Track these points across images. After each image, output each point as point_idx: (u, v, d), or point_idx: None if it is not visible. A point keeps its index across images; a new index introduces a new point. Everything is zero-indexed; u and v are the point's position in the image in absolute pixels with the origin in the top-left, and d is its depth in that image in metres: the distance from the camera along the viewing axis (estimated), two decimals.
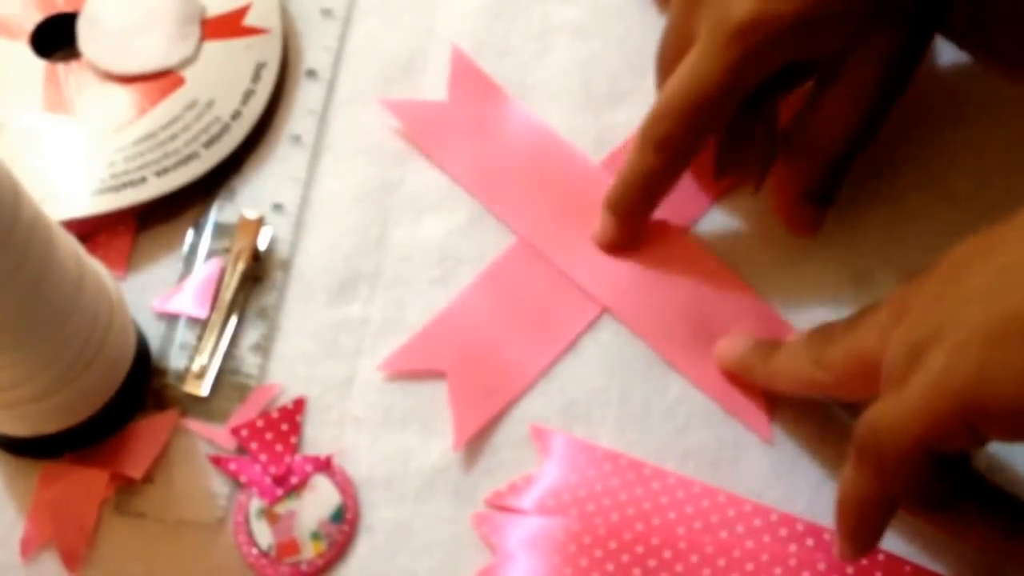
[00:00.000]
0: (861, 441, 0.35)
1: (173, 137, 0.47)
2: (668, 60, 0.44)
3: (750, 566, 0.40)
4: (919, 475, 0.34)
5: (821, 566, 0.40)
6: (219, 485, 0.42)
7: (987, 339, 0.31)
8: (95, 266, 0.40)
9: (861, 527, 0.36)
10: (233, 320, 0.45)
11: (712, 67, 0.41)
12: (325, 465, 0.42)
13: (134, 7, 0.49)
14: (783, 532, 0.41)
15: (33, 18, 0.50)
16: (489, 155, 0.48)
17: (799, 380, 0.40)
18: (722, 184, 0.47)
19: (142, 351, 0.43)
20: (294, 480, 0.42)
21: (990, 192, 0.47)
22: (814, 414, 0.43)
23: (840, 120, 0.43)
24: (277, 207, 0.47)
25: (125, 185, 0.46)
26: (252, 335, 0.45)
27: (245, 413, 0.43)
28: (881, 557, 0.40)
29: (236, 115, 0.48)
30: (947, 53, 0.50)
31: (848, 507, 0.37)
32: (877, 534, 0.37)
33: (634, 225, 0.46)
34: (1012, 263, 0.32)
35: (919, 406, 0.33)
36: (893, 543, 0.41)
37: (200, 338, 0.45)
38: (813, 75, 0.44)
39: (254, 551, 0.41)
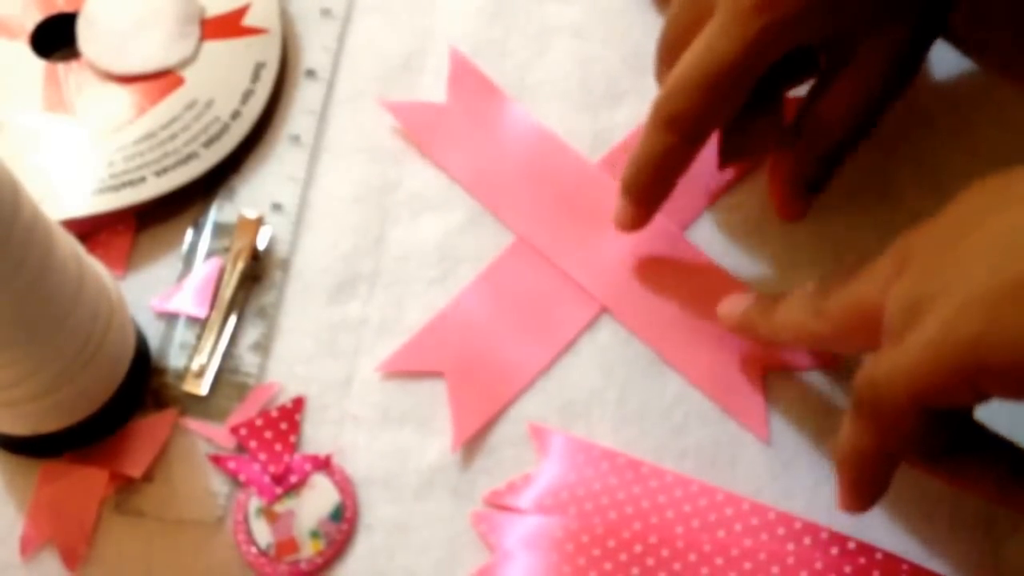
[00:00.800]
0: (859, 394, 0.35)
1: (173, 137, 0.47)
2: (674, 41, 0.43)
3: (748, 565, 0.40)
4: (917, 428, 0.34)
5: (818, 565, 0.40)
6: (218, 484, 0.42)
7: (994, 298, 0.31)
8: (95, 265, 0.41)
9: (862, 480, 0.37)
10: (232, 319, 0.45)
11: (730, 42, 0.40)
12: (324, 464, 0.42)
13: (134, 7, 0.49)
14: (781, 531, 0.41)
15: (33, 18, 0.50)
16: (488, 155, 0.48)
17: (799, 332, 0.40)
18: (723, 177, 0.47)
19: (141, 350, 0.43)
20: (293, 479, 0.42)
21: None
22: (811, 413, 0.43)
23: (843, 108, 0.43)
24: (276, 207, 0.47)
25: (125, 185, 0.46)
26: (251, 334, 0.45)
27: (244, 412, 0.43)
28: (879, 556, 0.40)
29: (235, 115, 0.48)
30: (946, 56, 0.50)
31: (847, 460, 0.37)
32: (879, 487, 0.37)
33: (651, 207, 0.44)
34: (1011, 240, 0.32)
35: (920, 360, 0.32)
36: (891, 541, 0.41)
37: (199, 337, 0.45)
38: (817, 70, 0.45)
39: (253, 550, 0.41)
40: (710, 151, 0.47)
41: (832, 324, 0.38)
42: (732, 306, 0.43)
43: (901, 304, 0.34)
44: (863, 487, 0.37)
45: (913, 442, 0.34)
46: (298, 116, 0.49)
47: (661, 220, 0.47)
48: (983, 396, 0.32)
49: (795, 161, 0.45)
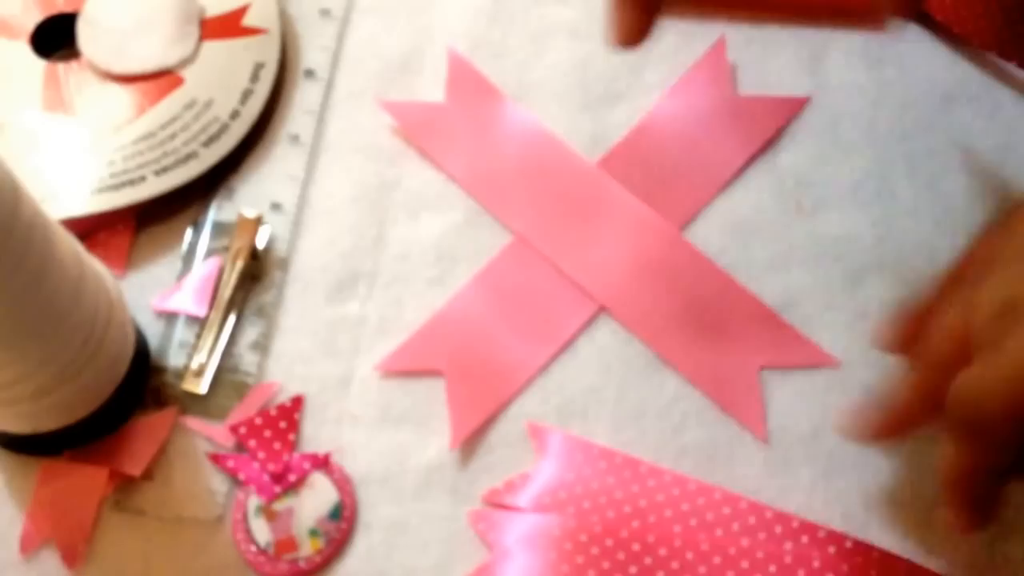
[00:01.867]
0: (957, 412, 0.33)
1: (172, 136, 0.47)
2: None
3: (745, 563, 0.40)
4: (1020, 440, 0.32)
5: (816, 563, 0.40)
6: (218, 482, 0.42)
7: None
8: (95, 265, 0.41)
9: (976, 500, 0.35)
10: (232, 318, 0.45)
11: None
12: (323, 463, 0.43)
13: (133, 7, 0.49)
14: (778, 529, 0.41)
15: (33, 18, 0.50)
16: (486, 155, 0.48)
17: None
18: (721, 177, 0.47)
19: (141, 349, 0.43)
20: (292, 478, 0.42)
21: (982, 193, 0.47)
22: (809, 412, 0.44)
23: None
24: (275, 206, 0.47)
25: (124, 184, 0.46)
26: (251, 333, 0.45)
27: (244, 411, 0.43)
28: (876, 554, 0.40)
29: (235, 115, 0.48)
30: (941, 54, 0.50)
31: (957, 483, 0.35)
32: (993, 504, 0.35)
33: (647, 10, 0.40)
34: None
35: (1016, 368, 0.31)
36: (891, 540, 0.41)
37: (199, 336, 0.45)
38: None
39: (252, 548, 0.41)
40: (707, 146, 0.47)
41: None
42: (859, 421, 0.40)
43: (988, 310, 0.32)
44: (979, 506, 0.35)
45: (1018, 455, 0.33)
46: (297, 116, 0.49)
47: (659, 220, 0.47)
48: None
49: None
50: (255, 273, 0.46)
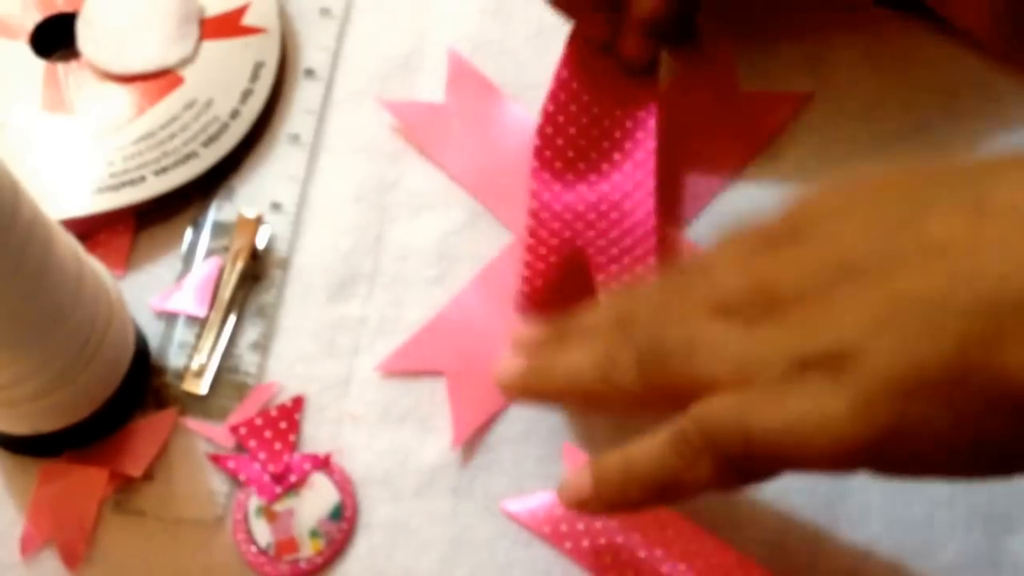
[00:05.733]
0: (719, 440, 0.32)
1: (172, 136, 0.47)
2: None
3: None
4: (762, 478, 0.32)
5: None
6: (218, 483, 0.42)
7: (902, 390, 0.29)
8: (94, 265, 0.41)
9: (643, 499, 0.34)
10: (232, 319, 0.45)
11: None
12: (324, 463, 0.43)
13: (133, 7, 0.49)
14: None
15: (33, 18, 0.50)
16: (486, 154, 0.48)
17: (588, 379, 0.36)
18: (722, 177, 0.47)
19: (141, 350, 0.43)
20: (293, 478, 0.42)
21: None
22: None
23: None
24: (275, 206, 0.47)
25: (124, 184, 0.46)
26: (251, 333, 0.45)
27: (244, 411, 0.43)
28: None
29: (235, 114, 0.48)
30: (941, 53, 0.50)
31: (646, 478, 0.34)
32: (642, 509, 0.35)
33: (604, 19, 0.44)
34: (915, 298, 0.29)
35: (816, 432, 0.30)
36: (890, 539, 0.41)
37: (199, 337, 0.45)
38: None
39: (253, 549, 0.41)
40: (704, 154, 0.48)
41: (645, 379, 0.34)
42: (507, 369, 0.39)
43: (780, 356, 0.31)
44: (632, 505, 0.35)
45: (741, 488, 0.33)
46: (297, 115, 0.49)
47: (660, 220, 0.47)
48: (856, 473, 0.31)
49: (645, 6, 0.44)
50: (255, 273, 0.46)
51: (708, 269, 0.35)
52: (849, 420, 0.30)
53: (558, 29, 0.51)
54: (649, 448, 0.34)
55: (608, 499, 0.35)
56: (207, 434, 0.43)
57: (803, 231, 0.33)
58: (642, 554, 0.41)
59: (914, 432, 0.29)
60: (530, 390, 0.39)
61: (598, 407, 0.37)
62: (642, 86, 0.46)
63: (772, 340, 0.31)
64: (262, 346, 0.45)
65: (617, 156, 0.45)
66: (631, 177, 0.45)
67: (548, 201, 0.44)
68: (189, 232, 0.47)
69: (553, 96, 0.45)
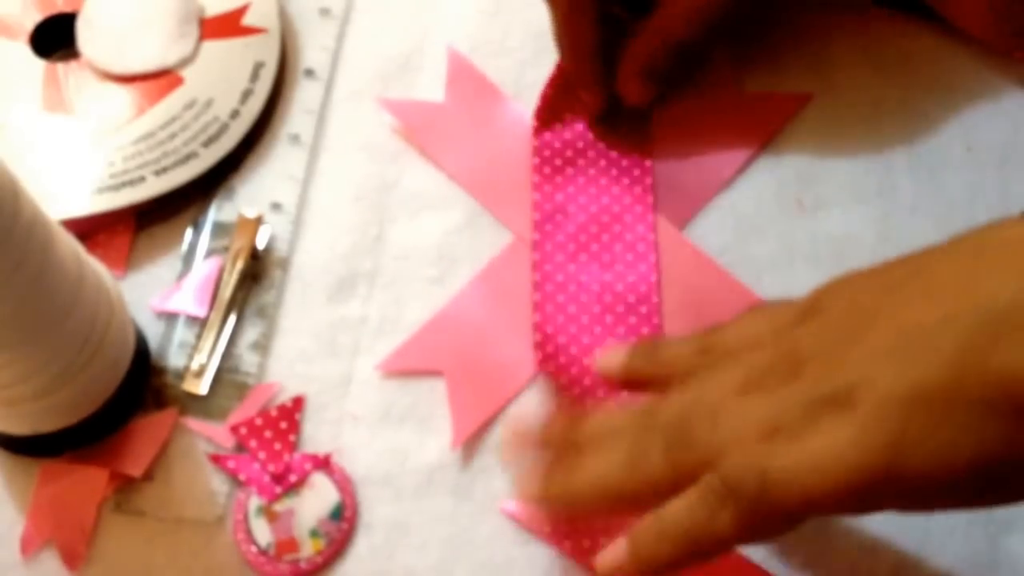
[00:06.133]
0: (739, 485, 0.33)
1: (172, 136, 0.47)
2: None
3: None
4: (786, 529, 0.33)
5: None
6: (218, 483, 0.42)
7: (903, 406, 0.30)
8: (94, 265, 0.41)
9: (674, 554, 0.34)
10: (232, 319, 0.45)
11: None
12: (324, 463, 0.43)
13: (133, 7, 0.49)
14: None
15: (33, 18, 0.50)
16: (486, 154, 0.48)
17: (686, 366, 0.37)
18: (722, 177, 0.47)
19: (141, 350, 0.43)
20: (293, 478, 0.42)
21: (983, 190, 0.47)
22: None
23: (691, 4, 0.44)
24: (275, 206, 0.47)
25: (124, 184, 0.46)
26: (251, 333, 0.45)
27: (244, 411, 0.43)
28: None
29: (235, 114, 0.48)
30: (941, 52, 0.50)
31: (676, 531, 0.34)
32: (682, 569, 0.35)
33: (598, 87, 0.47)
34: (917, 325, 0.31)
35: (829, 463, 0.31)
36: (890, 538, 0.41)
37: (199, 337, 0.45)
38: None
39: (253, 549, 0.41)
40: (704, 154, 0.48)
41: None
42: (610, 356, 0.40)
43: (798, 402, 0.32)
44: (668, 565, 0.35)
45: (769, 540, 0.34)
46: (297, 115, 0.49)
47: (659, 219, 0.47)
48: (876, 508, 0.31)
49: (642, 46, 0.46)
50: (255, 273, 0.46)
51: (735, 352, 0.36)
52: (855, 445, 0.31)
53: None
54: (678, 503, 0.34)
55: (643, 557, 0.35)
56: (207, 434, 0.43)
57: (823, 302, 0.35)
58: None
59: (915, 450, 0.30)
60: (560, 500, 0.39)
61: (629, 506, 0.37)
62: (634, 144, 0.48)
63: (792, 394, 0.33)
64: (262, 346, 0.45)
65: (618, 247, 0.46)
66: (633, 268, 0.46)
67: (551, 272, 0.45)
68: (189, 232, 0.47)
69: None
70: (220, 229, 0.47)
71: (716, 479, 0.33)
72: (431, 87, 0.50)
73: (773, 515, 0.32)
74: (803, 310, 0.35)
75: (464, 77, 0.50)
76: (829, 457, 0.31)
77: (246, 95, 0.48)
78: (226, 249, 0.46)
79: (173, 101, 0.48)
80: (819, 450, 0.31)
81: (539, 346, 0.44)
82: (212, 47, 0.49)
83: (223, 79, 0.49)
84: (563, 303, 0.45)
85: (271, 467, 0.42)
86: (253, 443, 0.43)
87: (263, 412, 0.43)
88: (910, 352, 0.31)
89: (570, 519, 0.41)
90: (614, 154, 0.48)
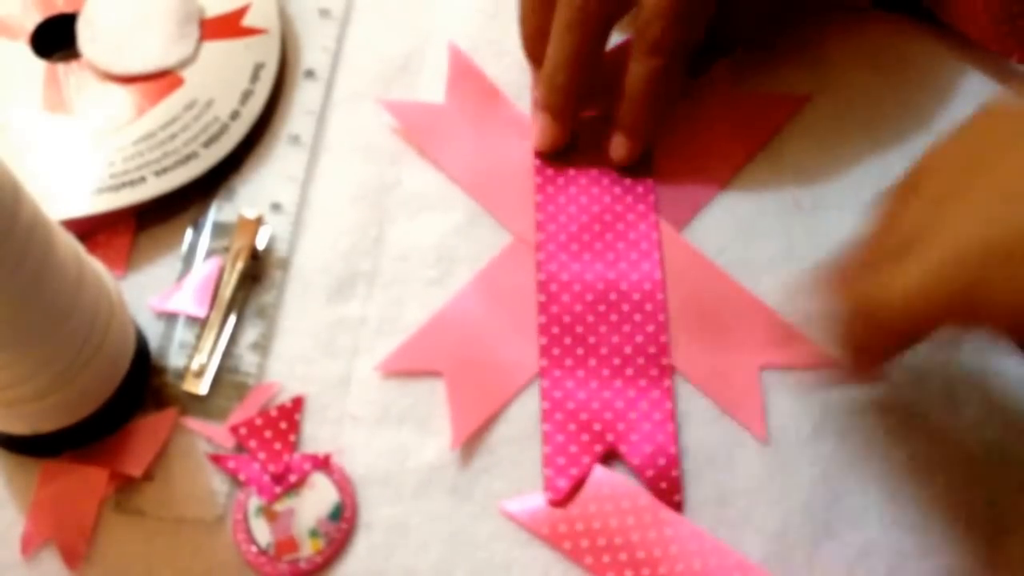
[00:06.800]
0: (865, 306, 0.37)
1: (172, 137, 0.47)
2: None
3: None
4: (917, 337, 0.37)
5: None
6: (218, 483, 0.42)
7: (988, 249, 0.33)
8: (95, 265, 0.41)
9: (866, 355, 0.39)
10: (232, 319, 0.45)
11: None
12: (323, 463, 0.43)
13: (133, 7, 0.50)
14: None
15: (33, 18, 0.50)
16: (486, 155, 0.48)
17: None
18: (719, 178, 0.47)
19: (141, 350, 0.43)
20: (293, 478, 0.42)
21: None
22: (809, 413, 0.44)
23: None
24: (276, 206, 0.47)
25: (124, 185, 0.46)
26: (251, 334, 0.45)
27: (244, 411, 0.43)
28: None
29: (235, 115, 0.48)
30: (940, 53, 0.50)
31: (860, 349, 0.39)
32: (883, 358, 0.39)
33: (567, 119, 0.47)
34: (1014, 192, 0.34)
35: (913, 290, 0.35)
36: (890, 538, 0.41)
37: (199, 337, 0.45)
38: None
39: (253, 549, 0.41)
40: (703, 155, 0.48)
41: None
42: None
43: (909, 227, 0.36)
44: (871, 358, 0.39)
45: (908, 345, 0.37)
46: (297, 116, 0.49)
47: (658, 220, 0.47)
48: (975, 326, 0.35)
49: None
50: (255, 273, 0.46)
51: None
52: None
53: None
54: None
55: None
56: (207, 434, 0.43)
57: (921, 183, 0.38)
58: (641, 554, 0.41)
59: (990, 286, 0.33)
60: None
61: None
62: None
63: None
64: (262, 346, 0.45)
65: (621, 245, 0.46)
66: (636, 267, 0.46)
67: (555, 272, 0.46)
68: (189, 232, 0.47)
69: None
70: (220, 229, 0.47)
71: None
72: (431, 88, 0.50)
73: (893, 329, 0.37)
74: (906, 184, 0.39)
75: (464, 78, 0.50)
76: (913, 284, 0.35)
77: (246, 96, 0.48)
78: (226, 249, 0.46)
79: (173, 102, 0.48)
80: (910, 272, 0.35)
81: (544, 351, 0.44)
82: (212, 48, 0.49)
83: (223, 80, 0.49)
84: (568, 303, 0.45)
85: (271, 467, 0.42)
86: (253, 443, 0.43)
87: (263, 412, 0.43)
88: (1010, 199, 0.34)
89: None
90: None
